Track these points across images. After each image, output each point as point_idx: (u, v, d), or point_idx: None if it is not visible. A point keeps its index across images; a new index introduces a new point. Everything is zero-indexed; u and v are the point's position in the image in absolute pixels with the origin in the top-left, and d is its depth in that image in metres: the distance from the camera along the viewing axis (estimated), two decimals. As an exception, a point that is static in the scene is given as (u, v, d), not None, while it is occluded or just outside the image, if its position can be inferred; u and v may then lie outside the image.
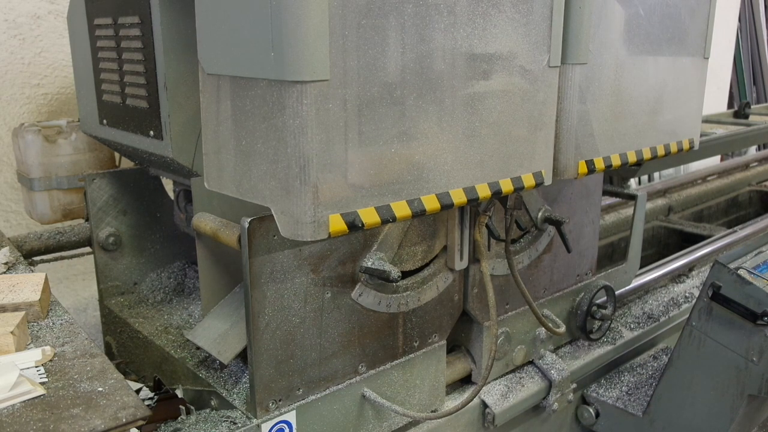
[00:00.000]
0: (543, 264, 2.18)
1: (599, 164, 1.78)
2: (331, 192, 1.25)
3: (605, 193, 2.48)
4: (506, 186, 1.56)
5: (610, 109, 1.78)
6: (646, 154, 1.93)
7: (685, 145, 2.07)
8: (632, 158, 1.88)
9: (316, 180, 1.22)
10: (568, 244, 2.11)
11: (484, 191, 1.52)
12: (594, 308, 2.31)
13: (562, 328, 2.14)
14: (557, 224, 2.06)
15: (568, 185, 2.18)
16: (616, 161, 1.83)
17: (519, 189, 1.59)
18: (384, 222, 1.34)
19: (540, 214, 2.07)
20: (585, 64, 1.67)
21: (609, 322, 2.38)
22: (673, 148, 2.02)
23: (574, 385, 2.27)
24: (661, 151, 1.98)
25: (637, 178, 4.64)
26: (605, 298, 2.37)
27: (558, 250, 2.19)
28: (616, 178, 3.20)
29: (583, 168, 1.73)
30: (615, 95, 1.80)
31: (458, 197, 1.47)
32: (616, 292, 2.42)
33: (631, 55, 1.82)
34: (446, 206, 1.45)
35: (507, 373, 2.17)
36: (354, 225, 1.29)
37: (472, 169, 1.49)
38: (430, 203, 1.41)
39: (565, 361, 2.27)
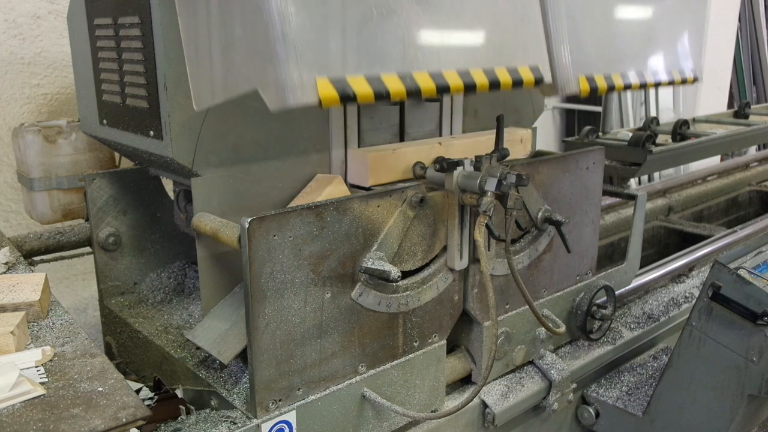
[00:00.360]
0: (543, 264, 2.18)
1: (600, 82, 1.74)
2: (313, 53, 1.23)
3: (605, 193, 2.48)
4: (503, 76, 1.53)
5: (601, 28, 1.76)
6: (649, 78, 1.88)
7: (689, 77, 2.04)
8: (635, 81, 1.83)
9: (296, 40, 1.20)
10: (568, 245, 2.11)
11: (480, 78, 1.48)
12: (594, 308, 2.31)
13: (562, 328, 2.14)
14: (557, 224, 2.07)
15: (568, 185, 2.18)
16: (617, 81, 1.78)
17: (518, 83, 1.56)
18: (377, 96, 1.31)
19: (540, 214, 2.07)
20: None
21: (609, 322, 2.39)
22: (677, 77, 1.98)
23: (574, 385, 2.27)
24: (663, 78, 1.93)
25: (637, 178, 4.64)
26: (605, 298, 2.37)
27: (558, 250, 2.19)
28: (615, 178, 3.20)
29: (584, 84, 1.70)
30: (605, 16, 1.77)
31: (453, 80, 1.44)
32: (616, 292, 2.42)
33: None
34: (442, 88, 1.42)
35: (507, 373, 2.17)
36: (345, 94, 1.27)
37: (464, 53, 1.47)
38: (424, 81, 1.39)
39: (565, 361, 2.27)
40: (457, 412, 1.83)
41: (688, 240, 3.57)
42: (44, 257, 2.27)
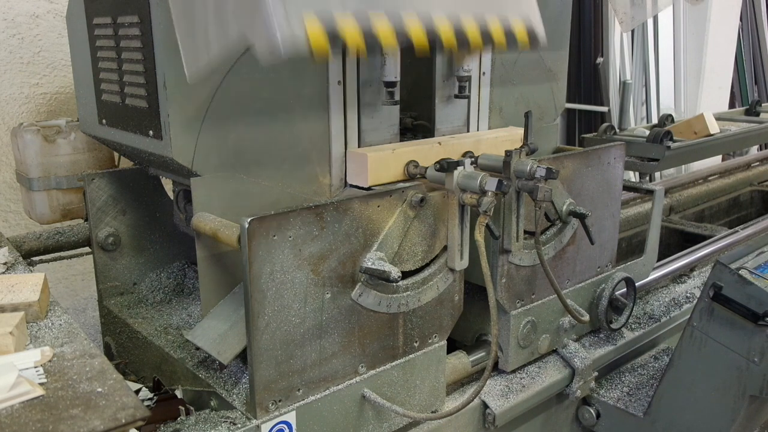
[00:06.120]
0: (567, 255, 2.23)
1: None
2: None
3: (624, 188, 2.52)
4: (495, 26, 1.52)
5: None
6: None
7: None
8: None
9: None
10: (592, 237, 2.16)
11: (472, 30, 1.48)
12: (614, 299, 2.38)
13: (586, 317, 2.20)
14: (581, 217, 2.12)
15: (591, 180, 2.23)
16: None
17: (510, 38, 1.56)
18: (368, 44, 1.31)
19: (565, 207, 2.12)
20: None
21: (630, 312, 2.43)
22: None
23: (596, 373, 2.31)
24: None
25: (637, 176, 4.63)
26: (624, 289, 2.42)
27: (581, 242, 2.25)
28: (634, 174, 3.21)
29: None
30: None
31: (444, 28, 1.43)
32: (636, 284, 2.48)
33: None
34: (430, 34, 1.41)
35: (531, 362, 2.22)
36: (334, 36, 1.26)
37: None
38: (414, 28, 1.38)
39: (587, 350, 2.32)
40: (457, 412, 1.83)
41: (690, 240, 3.57)
42: (43, 257, 2.26)
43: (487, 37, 1.50)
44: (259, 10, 1.22)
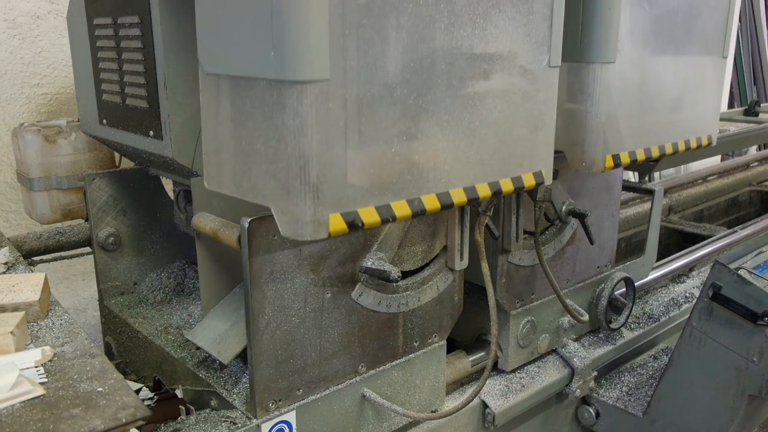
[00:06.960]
0: (566, 255, 2.23)
1: (625, 158, 1.84)
2: (331, 191, 1.25)
3: (623, 188, 2.52)
4: (506, 185, 1.56)
5: (636, 105, 1.84)
6: (668, 149, 1.99)
7: (704, 141, 2.14)
8: (655, 153, 1.94)
9: (316, 180, 1.22)
10: (591, 237, 2.17)
11: (484, 191, 1.52)
12: (614, 299, 2.39)
13: (586, 317, 2.21)
14: (581, 217, 2.12)
15: (590, 179, 2.23)
16: (640, 156, 1.89)
17: (519, 189, 1.60)
18: (384, 222, 1.34)
19: (564, 207, 2.12)
20: (613, 63, 1.71)
21: (629, 312, 2.44)
22: (693, 144, 2.09)
23: (595, 373, 2.31)
24: (681, 147, 2.04)
25: (637, 177, 4.64)
26: (624, 289, 2.43)
27: (580, 242, 2.25)
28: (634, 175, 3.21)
29: (609, 162, 1.79)
30: (640, 92, 1.85)
31: (458, 197, 1.47)
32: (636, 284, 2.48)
33: (656, 54, 1.87)
34: (446, 206, 1.45)
35: (531, 362, 2.23)
36: (354, 224, 1.29)
37: (472, 168, 1.49)
38: (431, 203, 1.41)
39: (586, 350, 2.33)
40: (457, 412, 1.83)
41: (689, 240, 3.57)
42: (44, 257, 2.27)
43: (497, 193, 1.56)
44: (289, 196, 1.23)
